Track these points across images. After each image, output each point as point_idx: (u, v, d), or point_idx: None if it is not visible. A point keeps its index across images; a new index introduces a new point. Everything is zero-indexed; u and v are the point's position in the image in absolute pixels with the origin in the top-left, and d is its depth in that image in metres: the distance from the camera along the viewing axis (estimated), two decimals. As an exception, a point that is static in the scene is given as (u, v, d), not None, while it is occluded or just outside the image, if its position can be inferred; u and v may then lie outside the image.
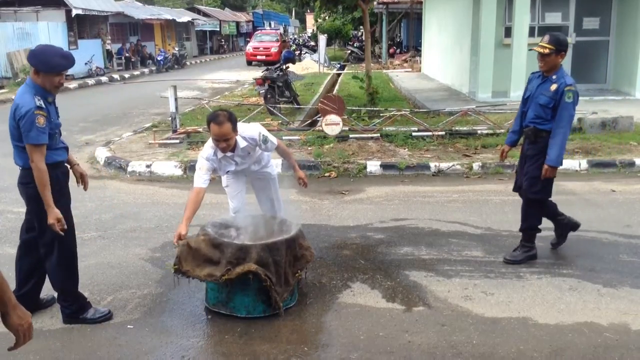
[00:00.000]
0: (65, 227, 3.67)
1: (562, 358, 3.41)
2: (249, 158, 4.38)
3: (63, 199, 3.77)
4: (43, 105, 3.54)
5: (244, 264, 3.77)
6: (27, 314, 2.06)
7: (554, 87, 4.52)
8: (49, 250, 3.79)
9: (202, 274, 3.85)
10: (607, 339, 3.61)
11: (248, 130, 4.24)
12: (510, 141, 5.03)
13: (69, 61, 3.59)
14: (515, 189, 5.05)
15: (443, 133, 9.17)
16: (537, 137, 4.65)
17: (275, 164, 5.16)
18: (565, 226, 5.00)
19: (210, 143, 4.19)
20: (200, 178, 4.16)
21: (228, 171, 4.46)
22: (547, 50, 4.50)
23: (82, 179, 4.09)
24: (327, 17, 38.84)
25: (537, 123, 4.63)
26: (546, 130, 4.59)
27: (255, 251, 3.80)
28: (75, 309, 3.89)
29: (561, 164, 4.64)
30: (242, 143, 4.17)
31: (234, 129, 4.08)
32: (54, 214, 3.59)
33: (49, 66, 3.53)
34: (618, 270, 4.61)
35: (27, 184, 3.68)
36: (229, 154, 4.20)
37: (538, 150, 4.64)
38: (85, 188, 4.13)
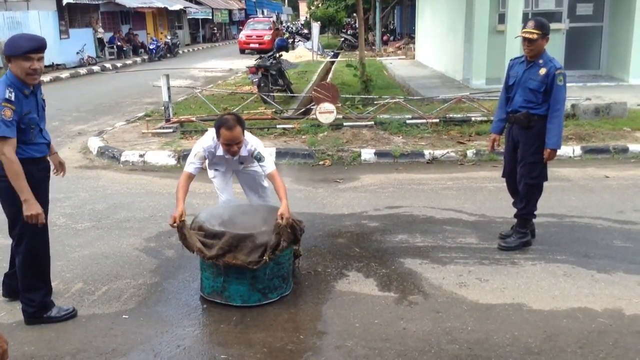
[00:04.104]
0: (44, 221, 3.55)
1: (557, 343, 3.43)
2: (244, 165, 4.45)
3: (36, 196, 3.63)
4: (12, 98, 3.42)
5: (235, 252, 3.77)
6: (3, 340, 1.99)
7: (543, 71, 4.55)
8: (17, 245, 3.69)
9: (196, 247, 3.84)
10: (601, 324, 3.63)
11: (251, 141, 4.21)
12: (498, 129, 5.03)
13: (34, 42, 3.48)
14: (504, 175, 5.06)
15: (437, 120, 9.15)
16: (530, 121, 4.65)
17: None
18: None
19: (212, 135, 4.18)
20: (193, 164, 4.16)
21: (217, 169, 4.49)
22: (535, 36, 4.51)
23: (60, 167, 4.06)
24: (320, 5, 38.66)
25: (530, 107, 4.63)
26: (539, 115, 4.61)
27: (250, 240, 3.80)
28: (39, 308, 3.74)
29: (560, 147, 4.69)
30: (243, 151, 4.16)
31: (244, 132, 4.10)
32: (31, 207, 3.43)
33: (13, 48, 3.44)
34: (612, 256, 4.63)
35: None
36: (227, 156, 4.19)
37: (532, 135, 4.65)
38: (62, 175, 4.12)
